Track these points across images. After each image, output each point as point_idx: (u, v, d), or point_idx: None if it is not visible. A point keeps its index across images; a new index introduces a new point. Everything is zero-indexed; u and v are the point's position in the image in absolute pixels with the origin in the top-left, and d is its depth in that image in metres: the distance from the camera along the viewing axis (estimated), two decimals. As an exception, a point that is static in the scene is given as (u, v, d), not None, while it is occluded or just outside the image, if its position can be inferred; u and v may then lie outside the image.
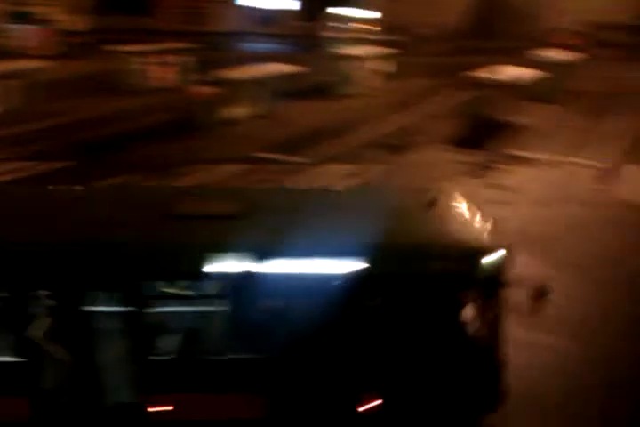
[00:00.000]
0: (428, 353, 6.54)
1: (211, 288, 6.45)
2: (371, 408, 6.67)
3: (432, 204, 7.31)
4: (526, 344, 8.97)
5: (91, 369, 6.52)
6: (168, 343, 6.67)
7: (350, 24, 53.49)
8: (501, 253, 6.43)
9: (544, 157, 20.44)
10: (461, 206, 7.64)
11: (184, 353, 6.67)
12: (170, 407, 6.65)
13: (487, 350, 6.58)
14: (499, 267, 6.38)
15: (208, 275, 6.24)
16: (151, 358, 6.59)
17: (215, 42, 42.08)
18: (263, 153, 19.85)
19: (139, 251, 6.33)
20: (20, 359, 6.36)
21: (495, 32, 54.42)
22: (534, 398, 8.25)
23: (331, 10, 54.25)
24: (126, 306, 6.35)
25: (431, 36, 53.75)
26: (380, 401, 6.68)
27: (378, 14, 55.29)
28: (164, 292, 6.52)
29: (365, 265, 6.20)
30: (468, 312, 6.55)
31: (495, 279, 6.35)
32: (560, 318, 9.90)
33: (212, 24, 53.74)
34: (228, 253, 6.25)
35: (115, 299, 6.39)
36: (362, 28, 52.38)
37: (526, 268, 8.39)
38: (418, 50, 44.87)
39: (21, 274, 6.15)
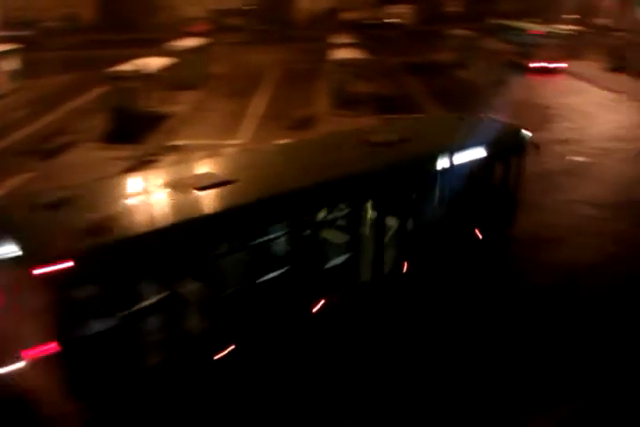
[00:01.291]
0: (497, 186, 12.27)
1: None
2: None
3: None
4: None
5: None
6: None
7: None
8: (528, 134, 12.43)
9: (197, 142, 21.18)
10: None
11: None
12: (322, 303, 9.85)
13: (517, 190, 12.72)
14: (527, 142, 12.38)
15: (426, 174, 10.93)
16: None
17: None
18: None
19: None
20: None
21: (129, 24, 53.83)
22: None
23: None
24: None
25: (61, 30, 50.95)
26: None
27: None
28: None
29: (487, 153, 11.54)
30: (518, 168, 12.46)
31: (524, 150, 12.36)
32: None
33: None
34: (426, 163, 10.84)
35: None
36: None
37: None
38: (47, 44, 42.20)
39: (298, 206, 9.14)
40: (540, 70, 35.28)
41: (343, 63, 25.84)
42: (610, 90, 31.22)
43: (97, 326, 7.32)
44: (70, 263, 6.72)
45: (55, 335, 6.91)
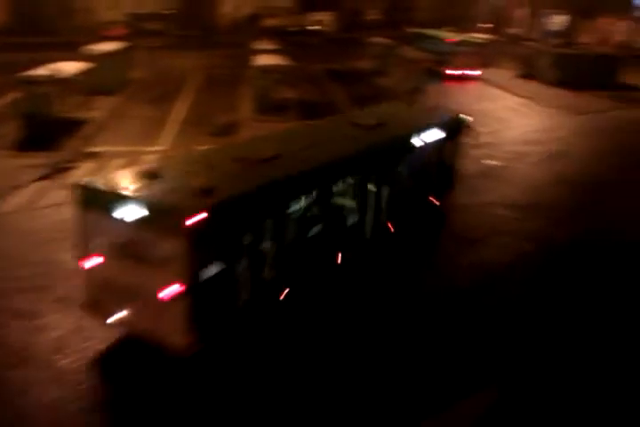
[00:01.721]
0: (444, 160, 15.10)
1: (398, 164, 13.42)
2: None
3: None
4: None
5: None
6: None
7: None
8: (468, 118, 15.43)
9: (116, 149, 20.69)
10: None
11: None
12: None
13: (455, 161, 15.58)
14: (466, 124, 15.30)
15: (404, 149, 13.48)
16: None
17: None
18: None
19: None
20: None
21: (44, 27, 51.96)
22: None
23: None
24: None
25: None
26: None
27: None
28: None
29: (441, 132, 14.39)
30: (460, 144, 15.43)
31: (464, 130, 15.27)
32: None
33: None
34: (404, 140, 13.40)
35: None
36: None
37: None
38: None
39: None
40: (456, 77, 36.50)
41: (266, 69, 25.90)
42: (521, 96, 32.67)
43: (215, 268, 9.09)
44: (205, 215, 8.53)
45: (189, 275, 8.66)
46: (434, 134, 14.20)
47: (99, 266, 9.42)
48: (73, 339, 10.10)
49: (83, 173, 18.11)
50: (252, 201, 9.57)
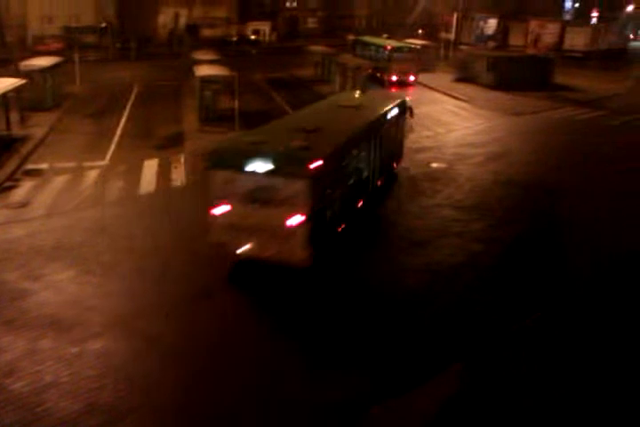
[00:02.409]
0: (399, 133, 19.51)
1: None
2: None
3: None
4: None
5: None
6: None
7: None
8: (408, 99, 20.23)
9: (59, 165, 20.23)
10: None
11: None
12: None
13: (404, 134, 20.12)
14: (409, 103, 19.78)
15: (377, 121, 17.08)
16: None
17: None
18: None
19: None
20: None
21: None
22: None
23: None
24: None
25: None
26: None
27: None
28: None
29: (398, 110, 18.66)
30: (407, 120, 19.98)
31: (409, 108, 19.71)
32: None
33: None
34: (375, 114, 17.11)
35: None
36: None
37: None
38: None
39: None
40: (396, 83, 37.18)
41: (208, 79, 25.82)
42: (459, 99, 33.55)
43: (325, 199, 12.87)
44: (320, 162, 12.03)
45: (308, 208, 11.96)
46: (395, 112, 18.29)
47: (227, 212, 12.42)
48: (26, 362, 9.84)
49: (24, 192, 17.67)
50: (337, 155, 13.31)
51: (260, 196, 12.10)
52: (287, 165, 11.93)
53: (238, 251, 12.58)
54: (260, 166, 12.00)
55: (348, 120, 15.81)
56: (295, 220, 11.94)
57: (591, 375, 9.86)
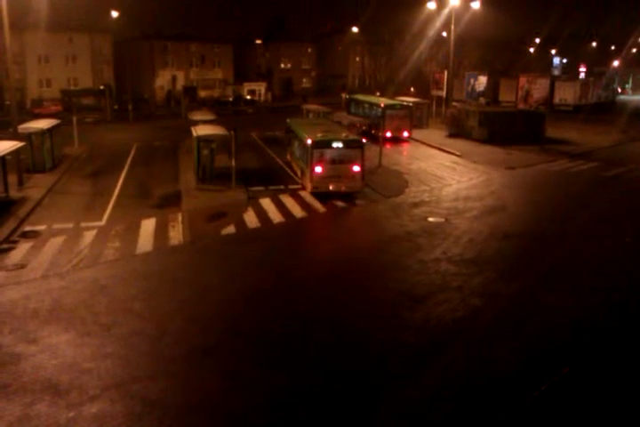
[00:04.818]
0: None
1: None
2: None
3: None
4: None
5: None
6: None
7: None
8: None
9: (57, 226, 20.22)
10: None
11: None
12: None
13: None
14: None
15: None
16: None
17: None
18: None
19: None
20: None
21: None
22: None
23: None
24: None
25: None
26: None
27: None
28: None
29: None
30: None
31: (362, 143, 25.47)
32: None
33: None
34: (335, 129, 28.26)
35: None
36: None
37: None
38: None
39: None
40: (391, 139, 37.83)
41: (205, 139, 26.23)
42: (452, 154, 34.06)
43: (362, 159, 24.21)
44: (365, 140, 25.34)
45: (361, 162, 23.93)
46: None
47: (321, 170, 23.61)
48: (20, 429, 9.53)
49: (21, 254, 17.58)
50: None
51: (337, 159, 23.70)
52: (351, 143, 23.82)
53: (330, 188, 23.69)
54: (338, 144, 23.65)
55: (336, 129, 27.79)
56: (356, 168, 23.75)
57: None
